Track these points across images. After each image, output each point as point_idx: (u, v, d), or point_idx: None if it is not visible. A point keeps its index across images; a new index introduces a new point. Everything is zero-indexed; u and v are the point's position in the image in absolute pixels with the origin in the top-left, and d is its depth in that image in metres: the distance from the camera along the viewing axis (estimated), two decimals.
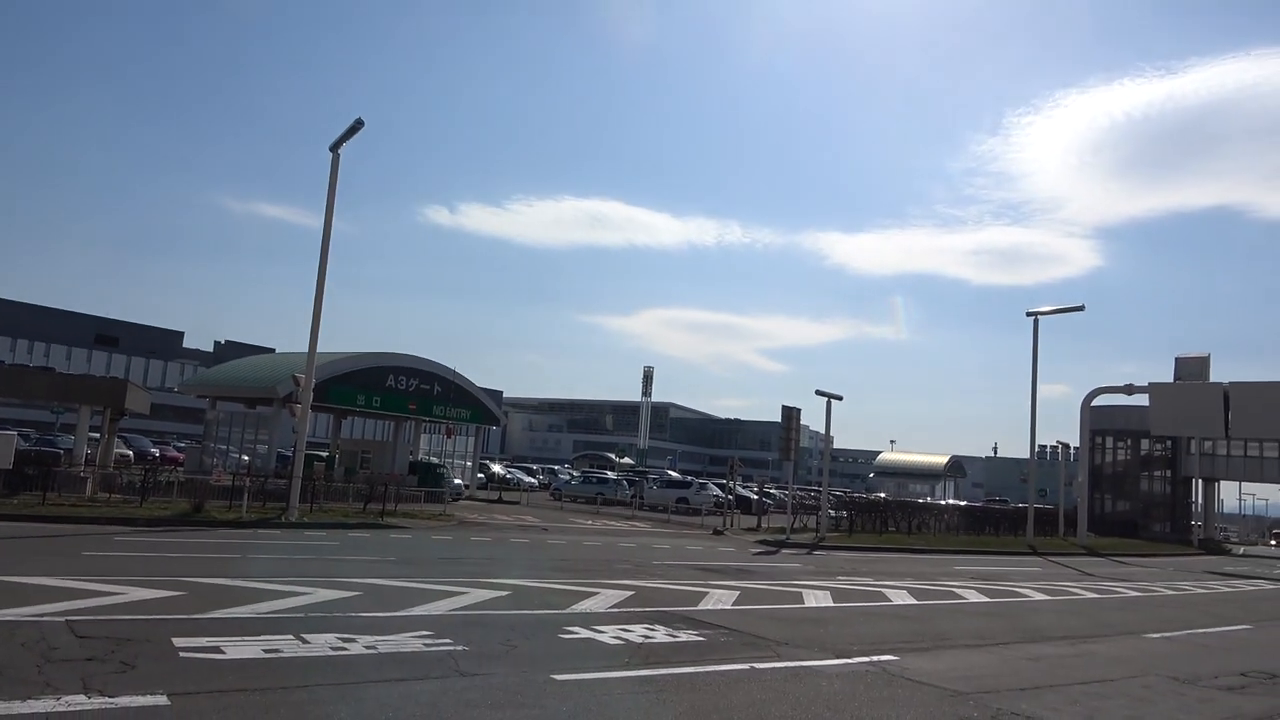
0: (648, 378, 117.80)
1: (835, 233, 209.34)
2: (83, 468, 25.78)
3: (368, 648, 7.70)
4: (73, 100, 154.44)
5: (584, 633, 9.25)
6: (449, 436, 45.41)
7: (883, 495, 60.04)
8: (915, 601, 14.78)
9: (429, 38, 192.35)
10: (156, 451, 43.08)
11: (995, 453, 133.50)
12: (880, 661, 8.88)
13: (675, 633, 9.65)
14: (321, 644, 7.70)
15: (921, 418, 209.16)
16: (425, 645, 8.00)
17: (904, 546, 30.52)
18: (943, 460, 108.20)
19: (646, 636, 9.24)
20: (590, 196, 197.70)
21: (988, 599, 16.11)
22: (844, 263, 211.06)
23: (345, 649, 7.61)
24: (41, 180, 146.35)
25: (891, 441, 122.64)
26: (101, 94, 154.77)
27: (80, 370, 71.23)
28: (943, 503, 58.22)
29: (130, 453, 40.87)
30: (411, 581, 12.46)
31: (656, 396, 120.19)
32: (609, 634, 9.22)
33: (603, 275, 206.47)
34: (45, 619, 8.02)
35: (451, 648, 7.97)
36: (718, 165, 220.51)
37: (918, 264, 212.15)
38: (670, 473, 72.28)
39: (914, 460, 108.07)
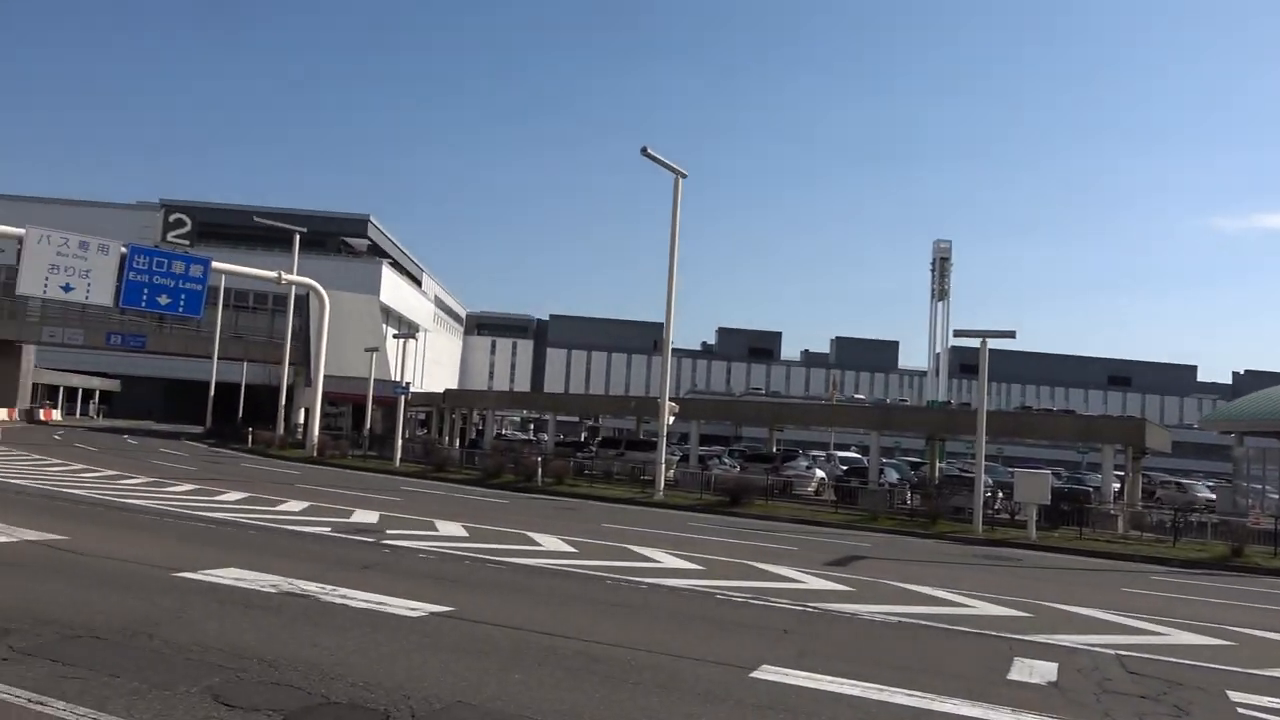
0: None
1: None
2: (1112, 505, 26.67)
3: None
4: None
5: None
6: None
7: None
8: None
9: None
10: (1214, 495, 39.97)
11: None
12: None
13: None
14: None
15: None
16: None
17: None
18: None
19: None
20: None
21: None
22: None
23: None
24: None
25: None
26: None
27: (1096, 410, 74.44)
28: None
29: (1204, 497, 38.64)
30: None
31: None
32: None
33: None
34: (1096, 649, 8.51)
35: None
36: None
37: None
38: None
39: None
